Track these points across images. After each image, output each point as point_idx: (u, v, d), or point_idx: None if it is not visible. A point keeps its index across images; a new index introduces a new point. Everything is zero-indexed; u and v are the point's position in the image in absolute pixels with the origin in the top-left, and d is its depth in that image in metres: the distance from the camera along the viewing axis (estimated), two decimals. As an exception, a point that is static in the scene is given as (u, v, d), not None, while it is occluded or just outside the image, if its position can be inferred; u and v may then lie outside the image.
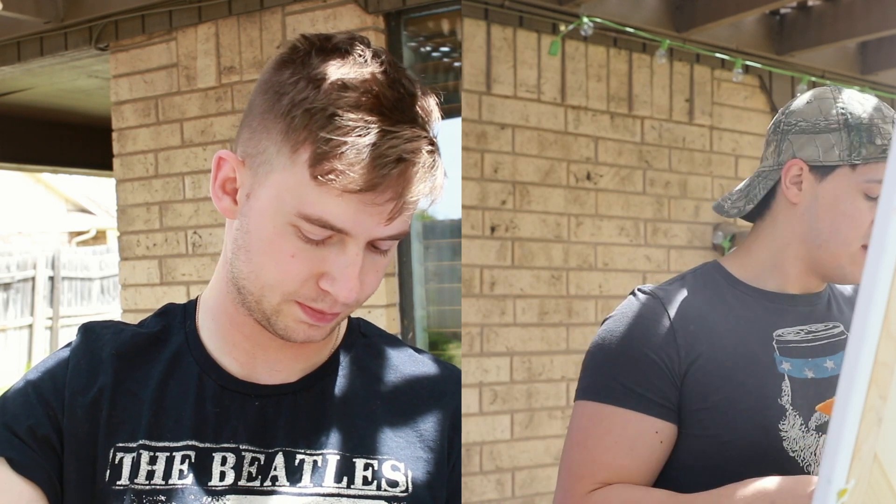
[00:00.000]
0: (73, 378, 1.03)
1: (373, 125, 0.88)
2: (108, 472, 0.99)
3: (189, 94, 3.86)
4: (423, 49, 3.76)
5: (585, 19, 3.46)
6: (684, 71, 4.10)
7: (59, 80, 4.97)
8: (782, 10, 4.19)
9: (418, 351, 1.16)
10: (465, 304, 3.51)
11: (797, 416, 1.30)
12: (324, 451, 1.02)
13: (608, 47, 3.86)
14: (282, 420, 1.03)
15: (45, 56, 4.25)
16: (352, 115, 0.88)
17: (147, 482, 0.98)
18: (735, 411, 1.29)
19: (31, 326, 11.65)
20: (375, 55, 0.94)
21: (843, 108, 1.36)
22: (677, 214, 4.09)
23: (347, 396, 1.07)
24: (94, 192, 16.48)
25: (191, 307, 1.11)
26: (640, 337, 1.33)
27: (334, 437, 1.03)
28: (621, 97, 3.90)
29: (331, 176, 0.88)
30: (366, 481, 1.01)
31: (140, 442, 1.00)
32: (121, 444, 1.00)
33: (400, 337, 3.48)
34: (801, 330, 1.37)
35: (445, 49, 3.82)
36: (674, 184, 4.07)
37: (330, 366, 1.08)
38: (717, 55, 3.96)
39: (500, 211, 3.61)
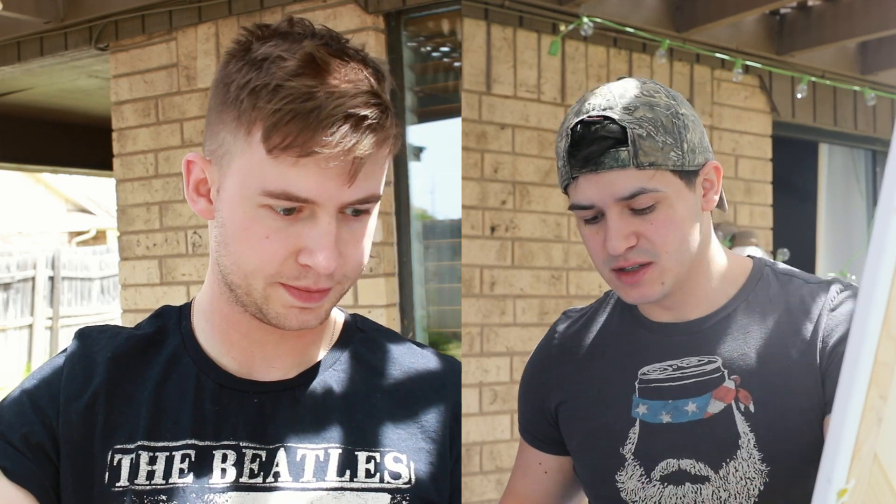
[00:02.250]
0: (67, 384, 1.03)
1: (315, 89, 0.89)
2: (107, 474, 0.99)
3: (189, 93, 3.86)
4: (423, 49, 3.77)
5: (585, 19, 3.46)
6: (684, 71, 4.10)
7: (59, 80, 4.97)
8: (782, 10, 4.19)
9: (419, 345, 1.16)
10: (465, 304, 3.52)
11: (638, 467, 1.21)
12: (325, 446, 1.02)
13: (608, 47, 3.86)
14: (281, 416, 1.03)
15: (45, 56, 4.25)
16: (293, 84, 0.89)
17: (147, 482, 0.98)
18: (583, 459, 1.29)
19: (31, 326, 11.65)
20: (314, 32, 0.95)
21: None
22: (677, 214, 4.09)
23: (347, 390, 1.07)
24: (94, 192, 16.49)
25: (186, 309, 1.11)
26: (528, 373, 1.40)
27: (335, 432, 1.03)
28: (621, 97, 3.90)
29: (283, 145, 0.89)
30: (368, 474, 1.01)
31: (138, 443, 1.00)
32: (119, 446, 1.00)
33: (400, 337, 3.48)
34: (671, 366, 1.22)
35: (445, 49, 3.82)
36: (674, 184, 4.07)
37: (328, 361, 1.08)
38: (717, 55, 3.96)
39: (500, 211, 3.61)
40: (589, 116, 1.14)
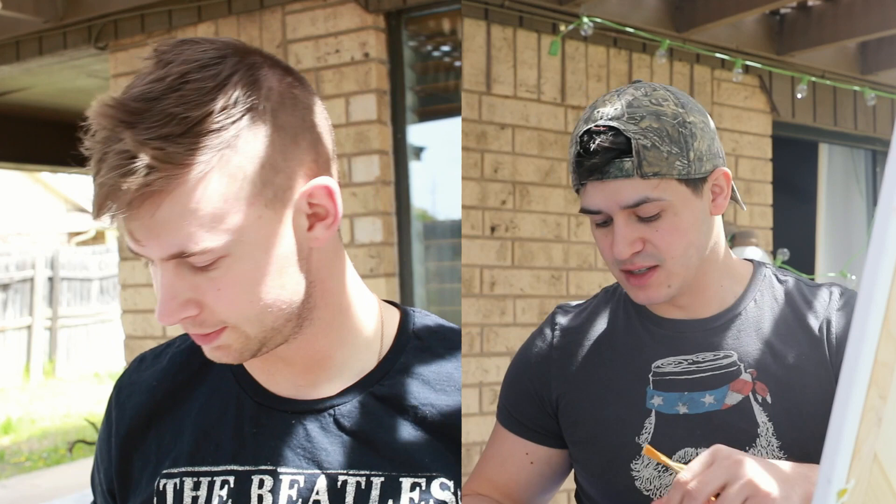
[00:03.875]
0: (117, 430, 1.07)
1: (91, 154, 0.84)
2: (155, 499, 0.99)
3: (189, 93, 3.86)
4: (423, 49, 3.77)
5: (585, 19, 3.46)
6: (684, 71, 4.10)
7: (59, 79, 4.97)
8: (782, 10, 4.19)
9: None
10: (465, 304, 3.51)
11: None
12: (368, 472, 0.96)
13: (608, 47, 3.86)
14: (321, 439, 0.98)
15: (45, 55, 4.25)
16: (86, 144, 0.84)
17: None
18: (594, 449, 1.29)
19: (29, 327, 11.64)
20: (158, 64, 0.85)
21: None
22: (677, 214, 4.08)
23: (394, 409, 1.00)
24: (94, 191, 16.45)
25: None
26: (524, 362, 1.40)
27: (379, 456, 0.97)
28: (621, 97, 3.90)
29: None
30: None
31: (182, 468, 1.00)
32: (165, 471, 1.01)
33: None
34: (685, 360, 1.26)
35: (446, 48, 3.82)
36: (674, 184, 4.07)
37: (375, 375, 1.01)
38: (717, 55, 3.96)
39: (500, 211, 3.61)
40: (596, 126, 1.17)
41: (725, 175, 1.25)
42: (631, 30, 3.68)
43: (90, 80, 4.96)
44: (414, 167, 3.60)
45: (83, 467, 7.63)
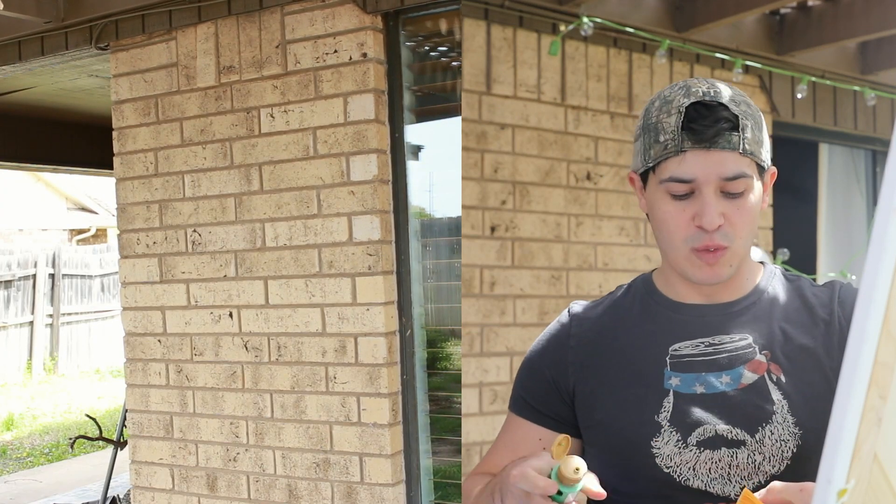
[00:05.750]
0: None
1: None
2: None
3: (189, 93, 3.86)
4: (421, 49, 3.76)
5: (585, 19, 3.45)
6: (684, 71, 4.09)
7: (60, 79, 4.97)
8: (782, 10, 4.19)
9: None
10: (464, 305, 3.51)
11: (674, 433, 1.28)
12: None
13: (608, 47, 3.85)
14: None
15: (46, 55, 4.25)
16: None
17: None
18: (613, 429, 1.33)
19: (31, 324, 11.64)
20: None
21: (646, 109, 1.32)
22: (677, 214, 4.08)
23: None
24: (95, 190, 16.48)
25: None
26: (540, 351, 1.45)
27: None
28: (621, 97, 3.90)
29: None
30: None
31: None
32: None
33: (398, 334, 3.48)
34: (703, 342, 1.32)
35: (444, 49, 3.82)
36: (674, 184, 4.06)
37: None
38: (717, 55, 3.96)
39: (500, 211, 3.61)
40: (709, 98, 1.25)
41: (773, 175, 1.34)
42: (631, 30, 3.68)
43: (91, 79, 4.96)
44: (411, 166, 3.60)
45: (84, 462, 7.63)
